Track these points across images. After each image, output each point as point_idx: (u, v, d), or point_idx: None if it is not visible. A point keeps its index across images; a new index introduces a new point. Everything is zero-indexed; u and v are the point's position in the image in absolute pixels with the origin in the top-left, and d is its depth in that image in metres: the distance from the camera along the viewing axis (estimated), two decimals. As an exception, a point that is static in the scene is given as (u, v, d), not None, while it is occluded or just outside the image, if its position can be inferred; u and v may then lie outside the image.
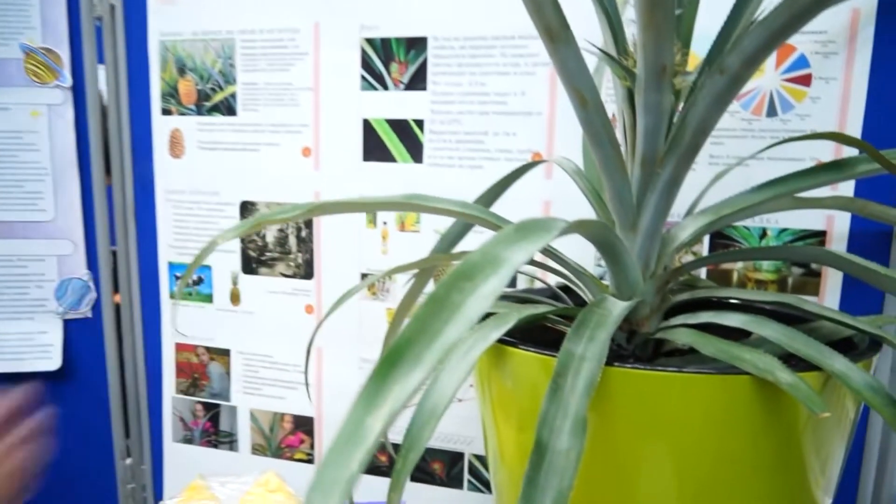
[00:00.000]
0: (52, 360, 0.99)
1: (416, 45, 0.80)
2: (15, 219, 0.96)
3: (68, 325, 0.99)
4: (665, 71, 0.38)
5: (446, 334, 0.22)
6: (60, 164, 0.96)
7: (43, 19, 0.93)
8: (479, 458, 0.85)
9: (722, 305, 0.55)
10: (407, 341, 0.22)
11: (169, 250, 0.95)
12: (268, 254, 0.90)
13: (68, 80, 0.94)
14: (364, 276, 0.87)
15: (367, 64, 0.82)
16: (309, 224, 0.88)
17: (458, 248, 0.59)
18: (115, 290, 1.00)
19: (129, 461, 1.04)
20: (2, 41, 0.92)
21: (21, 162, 0.95)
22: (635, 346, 0.48)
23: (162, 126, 0.93)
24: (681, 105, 0.44)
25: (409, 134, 0.82)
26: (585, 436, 0.30)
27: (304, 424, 0.93)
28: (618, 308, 0.40)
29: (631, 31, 0.42)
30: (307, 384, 0.91)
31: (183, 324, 0.97)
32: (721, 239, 0.72)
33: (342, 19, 0.83)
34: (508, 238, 0.27)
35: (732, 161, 0.68)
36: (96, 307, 1.00)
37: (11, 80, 0.93)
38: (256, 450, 0.96)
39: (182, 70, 0.90)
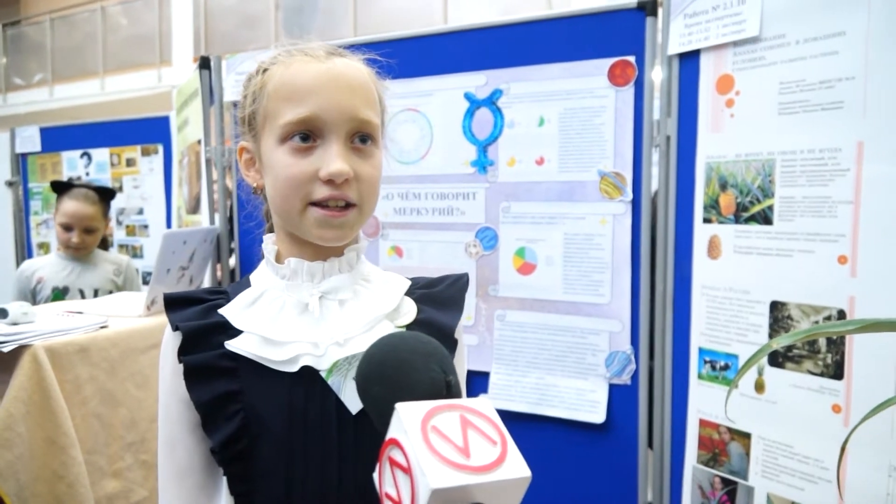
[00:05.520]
0: (598, 415, 1.24)
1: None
2: (581, 300, 1.26)
3: (612, 389, 1.24)
4: None
5: None
6: (618, 260, 1.22)
7: (615, 150, 1.21)
8: None
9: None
10: None
11: (700, 337, 1.11)
12: (795, 350, 0.98)
13: (629, 195, 1.21)
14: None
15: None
16: (840, 327, 0.93)
17: None
18: (651, 363, 1.21)
19: (647, 512, 1.22)
20: (585, 168, 1.24)
21: (590, 257, 1.24)
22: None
23: (703, 232, 1.10)
24: None
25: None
26: None
27: (822, 519, 0.96)
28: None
29: None
30: (839, 484, 0.93)
31: (707, 403, 1.10)
32: None
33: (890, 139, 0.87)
34: None
35: None
36: (634, 377, 1.22)
37: (588, 196, 1.24)
38: (769, 532, 1.02)
39: (724, 186, 1.06)
